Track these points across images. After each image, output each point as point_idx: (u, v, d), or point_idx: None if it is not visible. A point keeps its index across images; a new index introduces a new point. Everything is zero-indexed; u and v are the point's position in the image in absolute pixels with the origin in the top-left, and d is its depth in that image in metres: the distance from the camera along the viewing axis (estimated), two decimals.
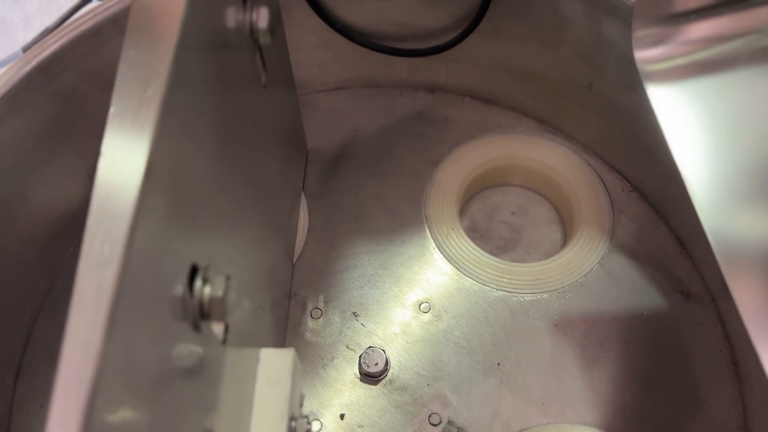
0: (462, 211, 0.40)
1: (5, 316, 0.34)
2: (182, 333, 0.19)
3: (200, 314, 0.20)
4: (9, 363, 0.34)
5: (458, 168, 0.39)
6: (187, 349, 0.20)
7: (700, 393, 0.33)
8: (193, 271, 0.20)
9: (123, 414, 0.16)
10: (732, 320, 0.34)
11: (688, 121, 0.26)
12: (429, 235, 0.38)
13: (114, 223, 0.16)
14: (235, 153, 0.25)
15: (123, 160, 0.17)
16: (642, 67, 0.26)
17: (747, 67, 0.26)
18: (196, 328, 0.20)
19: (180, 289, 0.18)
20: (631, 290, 0.36)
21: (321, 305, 0.36)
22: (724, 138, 0.26)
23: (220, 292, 0.19)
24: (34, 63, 0.31)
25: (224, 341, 0.23)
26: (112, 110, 0.19)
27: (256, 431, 0.27)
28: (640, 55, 0.27)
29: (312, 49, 0.40)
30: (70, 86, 0.33)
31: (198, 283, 0.20)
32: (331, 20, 0.38)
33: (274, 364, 0.28)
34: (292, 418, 0.28)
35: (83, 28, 0.32)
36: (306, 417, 0.29)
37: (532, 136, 0.41)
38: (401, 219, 0.38)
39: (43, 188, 0.34)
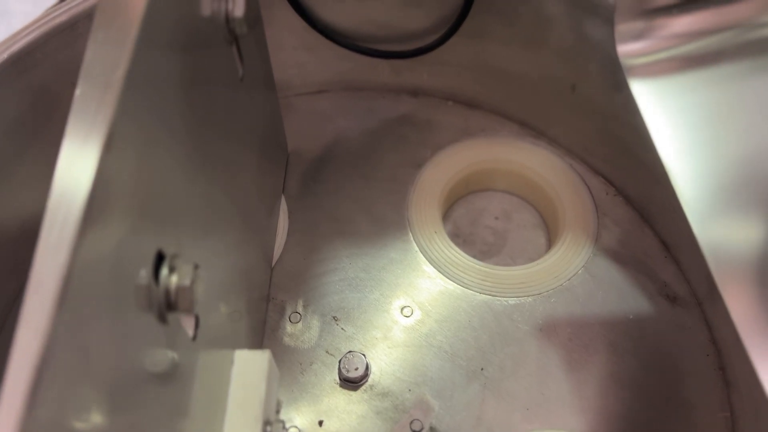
0: (445, 216, 0.40)
1: None
2: (147, 325, 0.18)
3: (166, 304, 0.19)
4: None
5: (441, 171, 0.39)
6: (153, 344, 0.19)
7: (688, 398, 0.32)
8: (159, 259, 0.19)
9: (76, 412, 0.15)
10: (719, 324, 0.33)
11: (672, 116, 0.26)
12: (412, 239, 0.37)
13: (72, 200, 0.15)
14: (209, 145, 0.25)
15: (85, 137, 0.16)
16: (625, 61, 0.26)
17: (731, 61, 0.26)
18: (162, 319, 0.19)
19: (144, 275, 0.18)
20: (617, 294, 0.35)
21: (300, 309, 0.35)
22: (710, 133, 0.25)
23: (187, 281, 0.19)
24: (4, 56, 0.30)
25: (194, 338, 0.22)
26: (78, 91, 0.19)
27: None
28: (623, 49, 0.26)
29: (292, 49, 0.39)
30: (43, 81, 0.32)
31: (164, 271, 0.19)
32: (312, 20, 0.37)
33: (248, 366, 0.27)
34: (267, 423, 0.27)
35: (57, 21, 0.31)
36: (282, 422, 0.27)
37: (516, 140, 0.40)
38: (383, 222, 0.38)
39: (13, 187, 0.33)
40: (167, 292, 0.19)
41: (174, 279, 0.19)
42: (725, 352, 0.33)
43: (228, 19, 0.24)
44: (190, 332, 0.21)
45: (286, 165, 0.40)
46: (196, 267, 0.19)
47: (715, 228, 0.23)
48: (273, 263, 0.36)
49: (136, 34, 0.18)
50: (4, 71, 0.30)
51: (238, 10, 0.24)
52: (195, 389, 0.23)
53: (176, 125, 0.21)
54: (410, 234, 0.37)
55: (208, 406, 0.25)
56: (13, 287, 0.36)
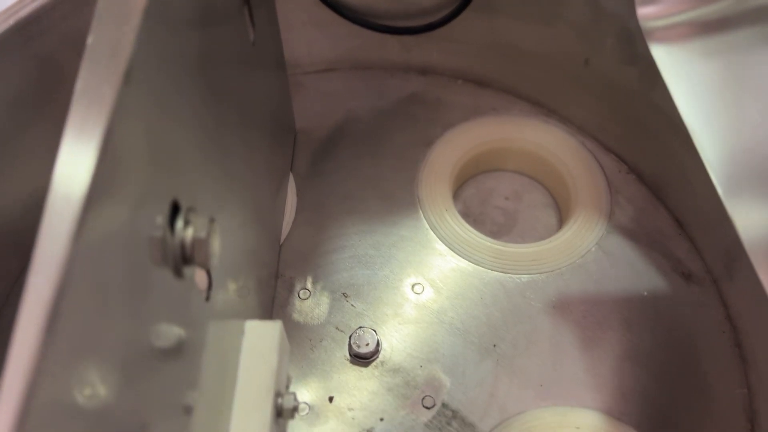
0: (455, 196, 0.39)
1: None
2: (163, 279, 0.18)
3: (182, 258, 0.18)
4: None
5: (452, 149, 0.38)
6: (169, 299, 0.19)
7: (704, 375, 0.32)
8: (175, 210, 0.18)
9: (87, 376, 0.15)
10: (735, 301, 0.33)
11: (693, 81, 0.25)
12: (422, 216, 0.36)
13: (90, 132, 0.15)
14: (221, 108, 0.24)
15: (103, 71, 0.16)
16: (644, 24, 0.26)
17: (752, 26, 0.25)
18: (178, 272, 0.18)
19: (160, 224, 0.17)
20: (631, 271, 0.35)
21: (309, 286, 0.34)
22: (732, 98, 0.25)
23: (203, 233, 0.18)
24: (10, 21, 0.29)
25: (207, 298, 0.21)
26: (89, 40, 0.18)
27: (239, 407, 0.25)
28: (643, 11, 0.26)
29: (302, 25, 0.39)
30: (49, 50, 0.31)
31: (179, 223, 0.18)
32: None
33: (259, 336, 0.27)
34: (278, 395, 0.26)
35: None
36: (293, 393, 0.27)
37: (527, 119, 0.40)
38: (393, 200, 0.37)
39: (16, 161, 0.33)
40: (183, 245, 0.18)
41: (190, 231, 0.18)
42: (741, 329, 0.32)
43: None
44: (204, 292, 0.21)
45: (294, 143, 0.39)
46: (212, 220, 0.18)
47: (741, 191, 0.23)
48: (282, 240, 0.36)
49: None
50: (10, 38, 0.29)
51: None
52: (205, 358, 0.23)
53: (191, 77, 0.20)
54: (420, 212, 0.37)
55: (218, 377, 0.25)
56: (16, 266, 0.36)
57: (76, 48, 0.32)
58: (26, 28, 0.30)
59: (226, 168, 0.25)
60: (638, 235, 0.36)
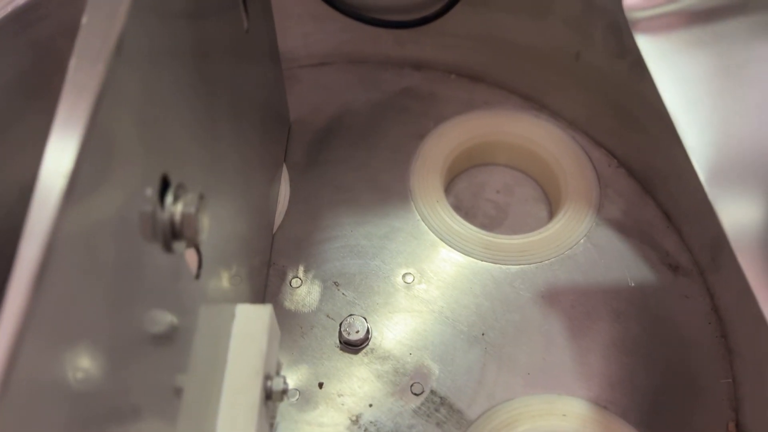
0: (447, 189, 0.40)
1: None
2: (153, 254, 0.18)
3: (171, 232, 0.18)
4: None
5: (444, 142, 0.39)
6: (159, 274, 0.19)
7: (690, 364, 0.32)
8: (165, 186, 0.18)
9: (74, 355, 0.15)
10: (721, 293, 0.33)
11: (679, 72, 0.26)
12: (414, 207, 0.37)
13: (81, 98, 0.15)
14: (214, 92, 0.25)
15: (96, 44, 0.16)
16: (630, 15, 0.26)
17: (737, 17, 0.26)
18: (168, 247, 0.19)
19: (150, 196, 0.17)
20: (619, 263, 0.35)
21: (301, 274, 0.35)
22: (717, 89, 0.25)
23: (192, 209, 0.18)
24: (8, 9, 0.29)
25: (197, 276, 0.22)
26: (84, 20, 0.19)
27: (229, 389, 0.26)
28: (628, 2, 0.26)
29: (298, 18, 0.39)
30: (46, 38, 0.32)
31: (169, 198, 0.18)
32: None
33: (250, 319, 0.27)
34: (267, 377, 0.27)
35: None
36: (283, 377, 0.27)
37: (519, 113, 0.40)
38: (386, 191, 0.38)
39: (13, 146, 0.33)
40: (172, 220, 0.18)
41: (179, 206, 0.18)
42: (727, 320, 0.33)
43: None
44: (194, 270, 0.21)
45: (287, 135, 0.40)
46: (201, 197, 0.19)
47: (725, 181, 0.23)
48: (275, 229, 0.36)
49: None
50: (7, 25, 0.30)
51: None
52: (196, 340, 0.23)
53: (182, 60, 0.21)
54: (412, 203, 0.37)
55: (209, 360, 0.25)
56: (10, 252, 0.36)
57: (73, 36, 0.33)
58: (24, 15, 0.30)
59: (216, 150, 0.25)
60: (627, 227, 0.36)
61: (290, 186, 0.38)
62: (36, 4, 0.30)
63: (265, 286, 0.34)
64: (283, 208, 0.37)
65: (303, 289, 0.34)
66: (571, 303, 0.34)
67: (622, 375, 0.32)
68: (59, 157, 0.15)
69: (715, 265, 0.33)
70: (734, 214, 0.23)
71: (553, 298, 0.34)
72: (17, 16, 0.30)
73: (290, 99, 0.40)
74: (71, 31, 0.33)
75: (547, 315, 0.33)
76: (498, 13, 0.37)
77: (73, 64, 0.17)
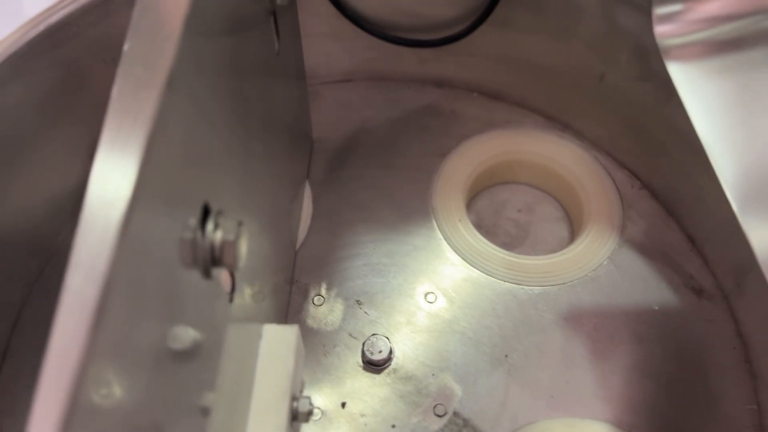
0: (468, 207, 0.40)
1: None
2: (193, 280, 0.18)
3: (211, 259, 0.19)
4: None
5: (466, 161, 0.39)
6: (197, 300, 0.19)
7: (713, 390, 0.32)
8: (206, 213, 0.19)
9: (118, 382, 0.15)
10: (746, 318, 0.33)
11: (710, 99, 0.26)
12: (435, 226, 0.37)
13: (127, 137, 0.15)
14: (247, 117, 0.25)
15: (144, 77, 0.16)
16: (661, 42, 0.26)
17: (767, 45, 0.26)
18: (207, 274, 0.19)
19: (192, 227, 0.17)
20: (642, 285, 0.35)
21: (323, 292, 0.35)
22: (748, 117, 0.25)
23: (232, 236, 0.18)
24: (41, 27, 0.30)
25: (231, 300, 0.22)
26: (126, 47, 0.19)
27: (256, 410, 0.26)
28: (660, 29, 0.26)
29: (321, 36, 0.40)
30: (75, 56, 0.32)
31: (210, 225, 0.19)
32: (342, 7, 0.37)
33: (277, 340, 0.27)
34: (293, 398, 0.27)
35: None
36: (308, 398, 0.27)
37: (541, 132, 0.40)
38: (407, 209, 0.38)
39: (39, 162, 0.33)
40: (212, 247, 0.19)
41: (219, 234, 0.19)
42: (752, 346, 0.32)
43: None
44: (228, 293, 0.21)
45: (310, 152, 0.40)
46: (240, 223, 0.19)
47: (756, 209, 0.23)
48: (297, 247, 0.36)
49: None
50: (40, 43, 0.30)
51: None
52: (224, 360, 0.23)
53: (222, 85, 0.21)
54: (434, 222, 0.37)
55: (236, 379, 0.25)
56: (35, 266, 0.36)
57: (101, 54, 0.33)
58: (55, 34, 0.30)
59: (249, 173, 0.25)
60: (650, 250, 0.36)
61: (313, 203, 0.38)
62: (67, 23, 0.31)
63: (288, 304, 0.34)
64: (305, 225, 0.37)
65: (325, 308, 0.34)
66: (593, 325, 0.34)
67: (644, 399, 0.32)
68: (110, 188, 0.15)
69: (740, 289, 0.33)
70: (765, 241, 0.23)
71: (576, 320, 0.34)
72: (49, 34, 0.30)
73: (313, 116, 0.40)
74: (98, 50, 0.33)
75: (570, 337, 0.33)
76: (521, 33, 0.37)
77: (116, 91, 0.17)
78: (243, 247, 0.19)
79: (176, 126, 0.17)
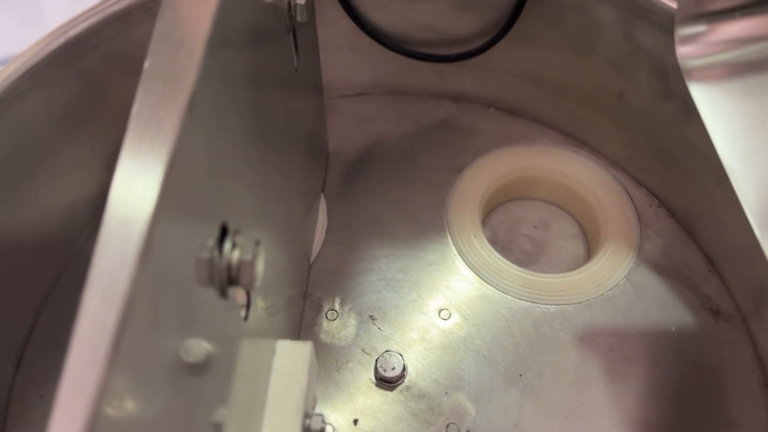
0: (483, 222, 0.39)
1: (9, 303, 0.33)
2: (209, 299, 0.18)
3: (228, 278, 0.19)
4: (10, 351, 0.33)
5: (481, 176, 0.39)
6: (212, 318, 0.19)
7: (731, 414, 0.31)
8: (223, 233, 0.19)
9: (133, 398, 0.15)
10: (765, 341, 0.33)
11: (732, 120, 0.25)
12: (450, 242, 0.37)
13: (148, 155, 0.15)
14: (265, 133, 0.25)
15: (164, 97, 0.16)
16: (684, 63, 0.26)
17: None
18: (223, 293, 0.19)
19: (210, 245, 0.17)
20: (659, 306, 0.34)
21: (337, 307, 0.34)
22: None
23: (249, 256, 0.18)
24: (61, 40, 0.30)
25: (246, 318, 0.22)
26: (147, 64, 0.19)
27: (269, 426, 0.26)
28: (682, 50, 0.26)
29: (339, 50, 0.40)
30: (94, 68, 0.32)
31: (227, 245, 0.18)
32: (361, 21, 0.37)
33: (290, 356, 0.27)
34: (306, 416, 0.26)
35: (113, 9, 0.31)
36: (321, 415, 0.27)
37: (558, 149, 0.40)
38: (422, 224, 0.37)
39: (56, 172, 0.33)
40: (229, 266, 0.18)
41: (236, 254, 0.18)
42: None
43: (290, 5, 0.25)
44: (243, 311, 0.21)
45: (326, 164, 0.40)
46: (257, 243, 0.19)
47: None
48: (311, 260, 0.36)
49: (211, 15, 0.18)
50: (61, 55, 0.30)
51: None
52: (237, 375, 0.23)
53: (243, 102, 0.21)
54: (449, 237, 0.37)
55: (249, 395, 0.25)
56: (50, 275, 0.36)
57: (119, 67, 0.33)
58: (75, 46, 0.31)
59: (266, 187, 0.25)
60: (667, 269, 0.36)
61: (327, 216, 0.38)
62: (86, 36, 0.31)
63: (301, 318, 0.34)
64: (320, 239, 0.37)
65: (339, 322, 0.34)
66: (609, 346, 0.33)
67: (660, 421, 0.31)
68: (130, 205, 0.15)
69: (759, 311, 0.33)
70: None
71: (592, 340, 0.33)
72: (70, 46, 0.30)
73: (329, 129, 0.40)
74: (116, 63, 0.33)
75: (586, 357, 0.33)
76: (539, 49, 0.37)
77: (137, 108, 0.17)
78: (260, 267, 0.19)
79: (197, 144, 0.17)
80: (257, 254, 0.19)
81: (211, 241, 0.17)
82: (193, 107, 0.16)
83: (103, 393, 0.13)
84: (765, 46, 0.26)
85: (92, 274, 0.15)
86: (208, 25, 0.18)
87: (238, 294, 0.21)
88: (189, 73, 0.17)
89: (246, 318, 0.22)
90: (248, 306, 0.22)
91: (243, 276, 0.18)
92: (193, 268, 0.17)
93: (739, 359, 0.33)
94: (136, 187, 0.15)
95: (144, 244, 0.14)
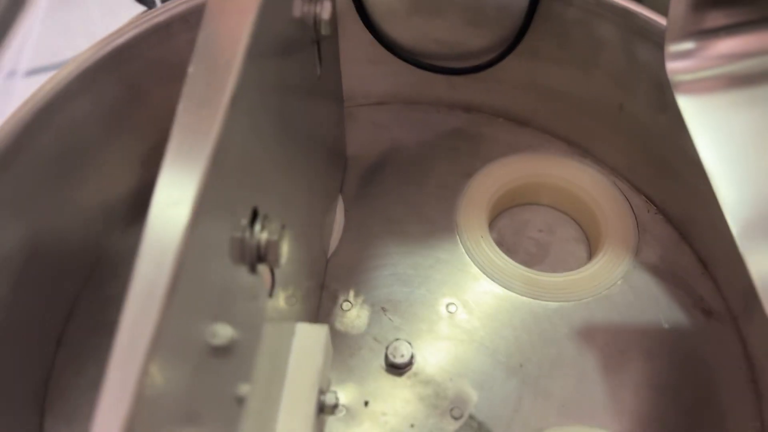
0: (491, 225, 0.42)
1: (51, 286, 0.36)
2: (241, 275, 0.21)
3: (257, 256, 0.21)
4: (51, 332, 0.36)
5: (490, 181, 0.41)
6: (243, 292, 0.22)
7: (720, 406, 0.33)
8: (254, 216, 0.21)
9: (173, 370, 0.17)
10: (753, 340, 0.35)
11: (716, 130, 0.28)
12: (459, 242, 0.39)
13: (198, 147, 0.18)
14: (291, 129, 0.28)
15: (208, 95, 0.19)
16: (673, 78, 0.28)
17: None
18: (253, 269, 0.21)
19: (244, 225, 0.20)
20: (654, 305, 0.37)
21: (351, 298, 0.37)
22: (753, 147, 0.27)
23: (276, 236, 0.21)
24: (109, 48, 0.33)
25: (270, 295, 0.24)
26: (191, 69, 0.22)
27: (287, 400, 0.28)
28: (672, 66, 0.28)
29: (358, 62, 0.43)
30: (136, 74, 0.35)
31: (258, 226, 0.21)
32: (380, 35, 0.40)
33: (308, 337, 0.30)
34: (321, 391, 0.29)
35: (155, 21, 0.34)
36: (334, 391, 0.30)
37: (562, 157, 0.43)
38: (433, 225, 0.40)
39: (98, 169, 0.36)
40: (258, 245, 0.21)
41: (265, 234, 0.21)
42: (758, 366, 0.34)
43: (316, 20, 0.27)
44: (268, 288, 0.24)
45: (344, 168, 0.43)
46: (283, 226, 0.22)
47: (757, 236, 0.25)
48: (329, 255, 0.39)
49: (250, 28, 0.21)
50: (107, 62, 0.33)
51: (326, 13, 0.27)
52: (260, 353, 0.26)
53: (273, 103, 0.24)
54: (458, 237, 0.39)
55: (270, 370, 0.27)
56: (87, 263, 0.39)
57: (159, 74, 0.37)
58: (120, 54, 0.34)
59: (289, 185, 0.28)
60: (663, 272, 0.38)
61: (345, 216, 0.40)
62: (129, 45, 0.34)
63: (318, 308, 0.37)
64: (338, 236, 0.39)
65: (353, 312, 0.37)
66: (605, 341, 0.35)
67: (652, 411, 0.33)
68: (179, 190, 0.18)
69: (748, 312, 0.35)
70: (763, 265, 0.25)
71: (589, 335, 0.36)
72: (116, 54, 0.34)
73: (348, 135, 0.43)
74: (156, 70, 0.37)
75: (583, 351, 0.35)
76: (546, 64, 0.40)
77: (182, 107, 0.20)
78: (284, 247, 0.22)
79: (235, 137, 0.19)
80: (283, 236, 0.21)
81: (245, 221, 0.20)
82: (232, 106, 0.19)
83: (151, 359, 0.16)
84: (750, 62, 0.28)
85: (144, 246, 0.18)
86: (246, 36, 0.20)
87: (264, 274, 0.24)
88: (229, 77, 0.20)
89: (271, 295, 0.24)
90: (273, 284, 0.25)
91: (270, 254, 0.21)
92: (228, 246, 0.20)
93: (728, 356, 0.35)
94: (182, 173, 0.18)
95: (191, 220, 0.17)
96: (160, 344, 0.16)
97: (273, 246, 0.21)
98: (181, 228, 0.17)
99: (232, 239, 0.20)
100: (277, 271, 0.25)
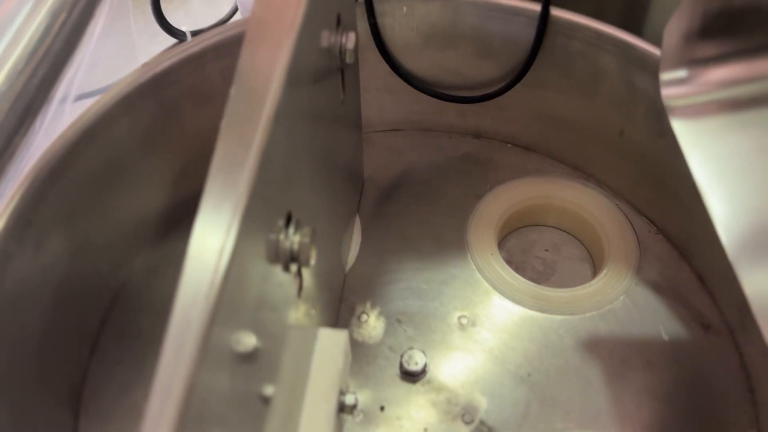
0: (499, 245, 0.44)
1: (87, 296, 0.38)
2: (276, 273, 0.23)
3: (290, 256, 0.24)
4: (86, 338, 0.38)
5: (499, 202, 0.44)
6: (277, 288, 0.24)
7: (718, 415, 0.35)
8: (288, 219, 0.24)
9: (216, 373, 0.19)
10: (749, 351, 0.36)
11: (710, 152, 0.30)
12: (470, 258, 0.41)
13: (245, 153, 0.20)
14: (316, 148, 0.30)
15: (253, 109, 0.21)
16: (667, 102, 0.31)
17: (765, 107, 0.30)
18: (287, 268, 0.24)
19: (280, 227, 0.23)
20: (655, 319, 0.39)
21: (368, 310, 0.39)
22: (745, 169, 0.29)
23: (307, 239, 0.24)
24: (149, 75, 0.36)
25: (299, 295, 0.27)
26: (233, 90, 0.24)
27: (310, 399, 0.30)
28: (666, 92, 0.31)
29: (376, 91, 0.45)
30: (172, 99, 0.38)
31: (291, 229, 0.24)
32: (396, 66, 0.43)
33: (329, 341, 0.32)
34: (341, 392, 0.31)
35: (191, 50, 0.38)
36: (354, 393, 0.32)
37: (567, 181, 0.45)
38: (445, 242, 0.42)
39: (134, 185, 0.39)
40: (291, 247, 0.24)
41: (297, 237, 0.24)
42: (754, 377, 0.36)
43: (341, 49, 0.30)
44: (297, 289, 0.26)
45: (361, 189, 0.45)
46: (313, 230, 0.24)
47: (750, 254, 0.27)
48: (347, 270, 0.41)
49: (290, 54, 0.24)
50: (148, 87, 0.36)
51: (350, 43, 0.30)
52: (286, 354, 0.28)
53: (304, 123, 0.26)
54: (468, 255, 0.42)
55: (294, 374, 0.30)
56: (124, 273, 0.41)
57: (192, 99, 0.40)
58: (159, 80, 0.37)
59: (316, 198, 0.31)
60: (663, 288, 0.40)
61: (362, 233, 0.43)
62: (168, 72, 0.37)
63: (337, 319, 0.39)
64: (355, 252, 0.42)
65: (369, 323, 0.39)
66: (609, 352, 0.37)
67: (652, 419, 0.35)
68: (226, 195, 0.20)
69: (744, 326, 0.37)
70: (756, 282, 0.27)
71: (593, 346, 0.38)
72: (155, 80, 0.37)
73: (365, 158, 0.46)
74: (192, 95, 0.39)
75: (587, 361, 0.37)
76: (551, 92, 0.43)
77: (225, 123, 0.23)
78: (314, 249, 0.24)
79: (276, 149, 0.22)
80: (314, 238, 0.24)
81: (281, 224, 0.23)
82: (275, 120, 0.21)
83: (201, 354, 0.18)
84: (740, 88, 0.31)
85: (192, 247, 0.20)
86: (284, 61, 0.23)
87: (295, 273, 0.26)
88: (268, 96, 0.22)
89: (299, 295, 0.27)
90: (300, 285, 0.27)
91: (302, 255, 0.24)
92: (265, 247, 0.22)
93: (726, 367, 0.37)
94: (229, 179, 0.21)
95: (241, 222, 0.19)
96: (205, 350, 0.18)
97: (305, 247, 0.23)
98: (230, 230, 0.19)
99: (268, 240, 0.23)
100: (307, 269, 0.28)
